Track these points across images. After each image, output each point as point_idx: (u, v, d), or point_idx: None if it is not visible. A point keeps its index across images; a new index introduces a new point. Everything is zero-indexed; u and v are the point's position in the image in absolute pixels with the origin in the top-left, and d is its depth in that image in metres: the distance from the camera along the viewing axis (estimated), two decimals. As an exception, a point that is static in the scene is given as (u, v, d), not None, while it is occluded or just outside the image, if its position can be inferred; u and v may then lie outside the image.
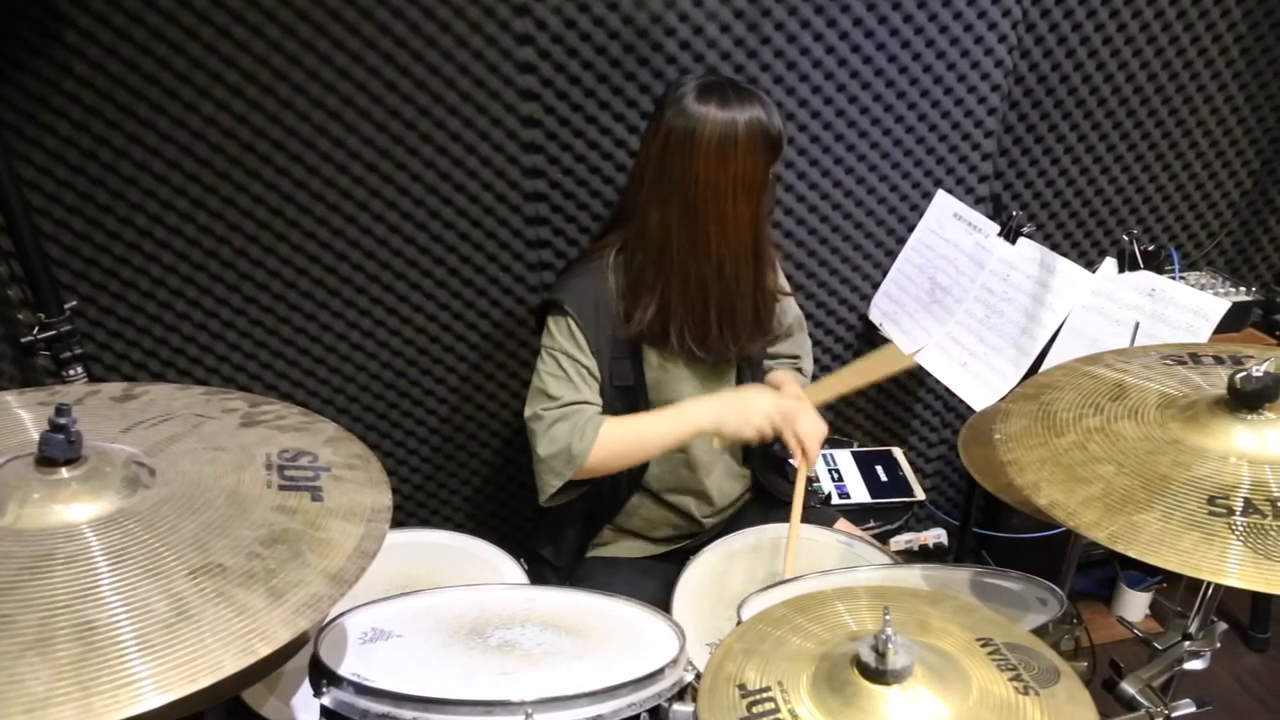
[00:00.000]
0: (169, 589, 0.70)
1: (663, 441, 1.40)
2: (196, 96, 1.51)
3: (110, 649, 0.65)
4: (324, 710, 0.92)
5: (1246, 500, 0.83)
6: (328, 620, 1.02)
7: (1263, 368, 0.91)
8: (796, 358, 1.70)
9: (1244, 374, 0.91)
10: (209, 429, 0.94)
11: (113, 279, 1.63)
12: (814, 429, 1.40)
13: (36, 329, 1.50)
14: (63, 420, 0.76)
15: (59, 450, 0.76)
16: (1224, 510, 0.83)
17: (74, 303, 1.57)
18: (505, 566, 1.38)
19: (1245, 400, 0.91)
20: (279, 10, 1.48)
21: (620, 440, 1.37)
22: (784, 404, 1.40)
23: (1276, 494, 0.84)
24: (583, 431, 1.35)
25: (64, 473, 0.77)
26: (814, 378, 2.09)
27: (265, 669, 0.80)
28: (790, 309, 1.63)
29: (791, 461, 1.51)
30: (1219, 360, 1.08)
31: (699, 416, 1.38)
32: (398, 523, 1.88)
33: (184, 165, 1.56)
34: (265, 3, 1.47)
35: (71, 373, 1.55)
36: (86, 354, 1.62)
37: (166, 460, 0.85)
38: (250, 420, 0.97)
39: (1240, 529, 0.81)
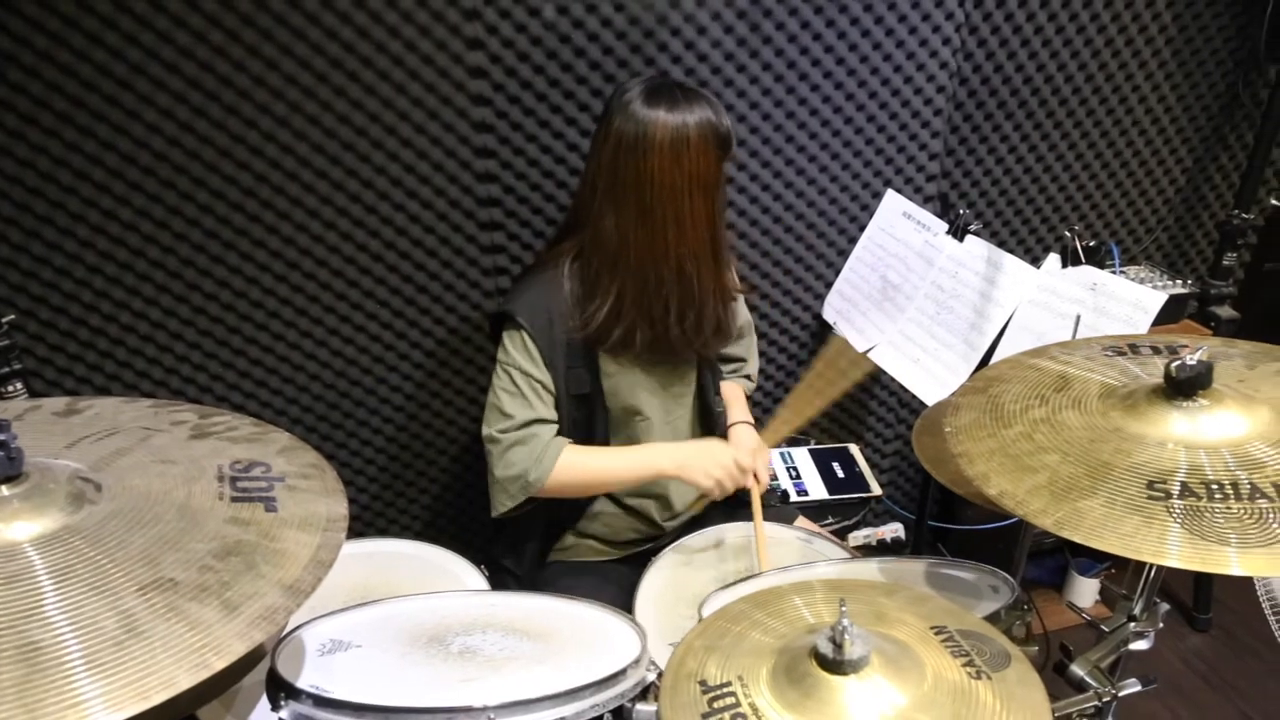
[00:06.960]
0: (118, 606, 0.69)
1: (621, 480, 1.44)
2: (137, 103, 1.48)
3: (55, 670, 0.63)
4: (282, 725, 0.91)
5: (1183, 484, 0.86)
6: (285, 633, 1.01)
7: (1195, 357, 0.94)
8: (744, 361, 1.71)
9: (1179, 363, 0.94)
10: (157, 442, 0.92)
11: (53, 292, 1.58)
12: (764, 463, 1.51)
13: (-27, 344, 1.46)
14: (2, 436, 0.74)
15: (-1, 467, 0.74)
16: (1162, 494, 0.86)
17: (12, 316, 1.53)
18: (466, 574, 1.37)
19: (1180, 388, 0.95)
20: (223, 15, 1.45)
21: (579, 470, 1.39)
22: (743, 458, 1.43)
23: (1211, 477, 0.87)
24: (540, 458, 1.36)
25: (4, 490, 0.75)
26: (771, 379, 2.12)
27: (222, 683, 0.78)
28: (741, 311, 1.64)
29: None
30: (1156, 350, 1.12)
31: (661, 460, 1.41)
32: (356, 533, 1.86)
33: (126, 174, 1.53)
34: (208, 7, 1.44)
35: (11, 389, 1.51)
36: (26, 369, 1.57)
37: (113, 475, 0.83)
38: (200, 432, 0.95)
39: (1178, 511, 0.84)
